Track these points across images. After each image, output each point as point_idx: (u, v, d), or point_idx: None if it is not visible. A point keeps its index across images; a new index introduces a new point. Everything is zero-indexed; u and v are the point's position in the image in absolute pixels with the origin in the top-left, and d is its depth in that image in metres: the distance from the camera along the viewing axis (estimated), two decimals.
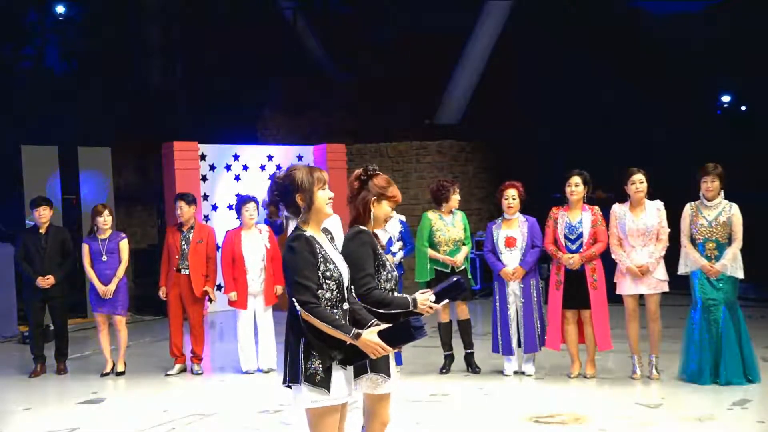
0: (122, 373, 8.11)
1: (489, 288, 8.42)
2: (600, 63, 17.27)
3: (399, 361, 7.69)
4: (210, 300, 8.26)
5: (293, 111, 16.44)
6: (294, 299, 3.57)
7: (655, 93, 17.33)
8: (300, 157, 13.46)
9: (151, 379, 7.99)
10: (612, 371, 7.53)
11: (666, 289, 7.06)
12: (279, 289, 7.98)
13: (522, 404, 6.47)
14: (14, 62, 18.65)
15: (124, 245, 8.14)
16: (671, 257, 7.05)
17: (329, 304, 3.62)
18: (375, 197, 4.14)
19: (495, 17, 14.54)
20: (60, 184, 11.76)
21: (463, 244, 7.58)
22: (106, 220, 8.02)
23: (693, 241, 6.88)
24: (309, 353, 3.57)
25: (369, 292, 3.96)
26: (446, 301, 4.18)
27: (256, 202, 7.99)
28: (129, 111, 16.08)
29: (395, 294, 4.14)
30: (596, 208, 7.24)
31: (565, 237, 7.14)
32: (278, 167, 13.12)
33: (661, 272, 7.00)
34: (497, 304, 7.35)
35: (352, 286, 3.86)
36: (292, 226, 4.31)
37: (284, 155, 13.38)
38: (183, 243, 8.08)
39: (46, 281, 8.10)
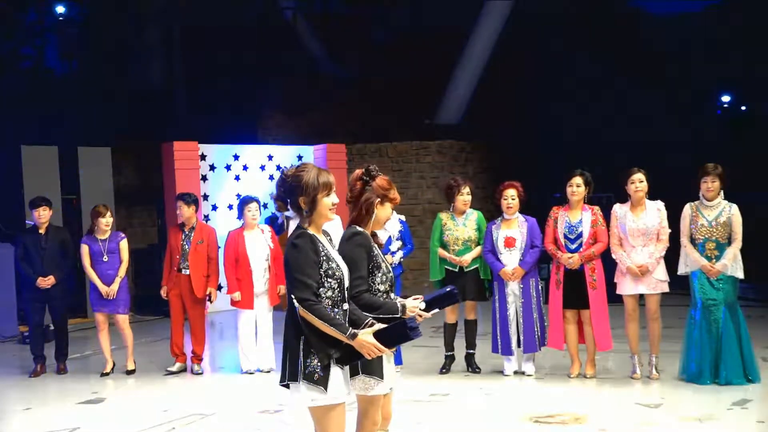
0: (132, 372, 8.12)
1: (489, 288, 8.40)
2: (600, 63, 17.27)
3: (399, 361, 7.69)
4: (210, 300, 8.26)
5: (293, 111, 16.43)
6: (293, 296, 3.57)
7: (655, 93, 17.33)
8: (300, 157, 13.46)
9: (151, 379, 7.99)
10: (612, 371, 7.53)
11: (666, 289, 7.06)
12: (282, 289, 7.97)
13: (522, 404, 6.46)
14: (14, 62, 18.61)
15: (124, 245, 8.14)
16: (671, 257, 7.05)
17: (330, 303, 3.62)
18: (379, 199, 4.14)
19: (495, 17, 14.55)
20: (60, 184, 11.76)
21: (477, 244, 7.54)
22: (108, 221, 8.03)
23: (693, 241, 6.88)
24: (308, 351, 3.57)
25: (359, 295, 3.96)
26: (436, 310, 4.18)
27: (258, 203, 7.99)
28: (129, 111, 16.07)
29: (391, 296, 4.15)
30: (596, 208, 7.24)
31: (565, 237, 7.14)
32: (278, 167, 13.12)
33: (661, 272, 7.00)
34: (497, 304, 7.35)
35: None
36: (292, 226, 4.32)
37: (284, 155, 13.39)
38: (184, 243, 8.08)
39: (46, 281, 8.10)
